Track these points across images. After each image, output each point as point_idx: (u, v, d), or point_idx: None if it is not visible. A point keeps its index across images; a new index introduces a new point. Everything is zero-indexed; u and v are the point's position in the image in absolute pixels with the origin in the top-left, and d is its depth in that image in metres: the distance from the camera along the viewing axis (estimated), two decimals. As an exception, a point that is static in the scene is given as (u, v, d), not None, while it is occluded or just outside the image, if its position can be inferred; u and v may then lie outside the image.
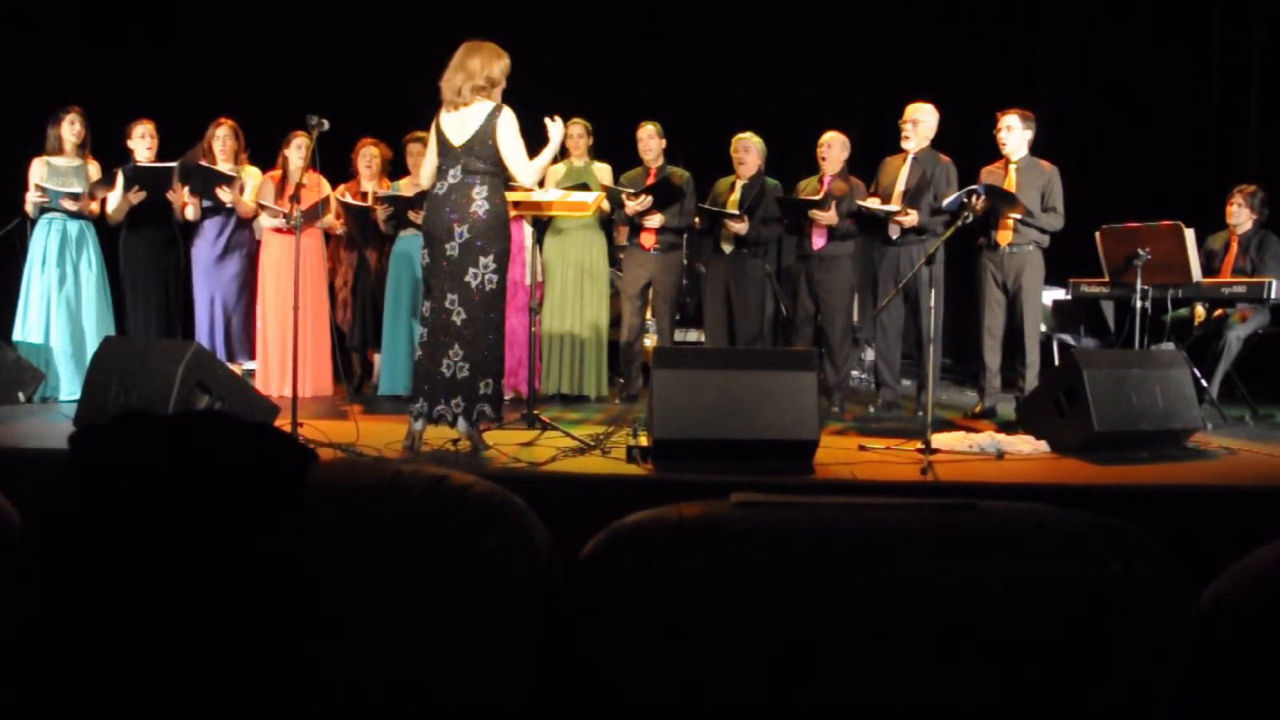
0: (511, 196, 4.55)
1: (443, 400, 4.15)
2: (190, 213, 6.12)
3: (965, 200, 5.29)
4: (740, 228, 5.99)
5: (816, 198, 5.83)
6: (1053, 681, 1.03)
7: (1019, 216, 5.50)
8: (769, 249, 6.63)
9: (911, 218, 5.66)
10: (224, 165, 6.13)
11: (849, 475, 3.77)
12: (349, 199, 6.25)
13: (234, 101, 6.74)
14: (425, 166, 4.41)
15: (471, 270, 4.12)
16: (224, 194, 6.02)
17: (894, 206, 5.71)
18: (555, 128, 4.38)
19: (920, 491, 3.60)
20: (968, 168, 5.90)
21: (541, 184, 4.81)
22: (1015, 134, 5.65)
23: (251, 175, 6.24)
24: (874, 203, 5.79)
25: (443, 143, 4.20)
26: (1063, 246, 5.91)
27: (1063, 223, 5.61)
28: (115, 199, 6.04)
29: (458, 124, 4.18)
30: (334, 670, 1.03)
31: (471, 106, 4.16)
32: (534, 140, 4.31)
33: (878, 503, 1.16)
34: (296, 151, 6.13)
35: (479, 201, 4.12)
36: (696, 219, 6.22)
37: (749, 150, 6.14)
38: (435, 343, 4.17)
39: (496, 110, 4.17)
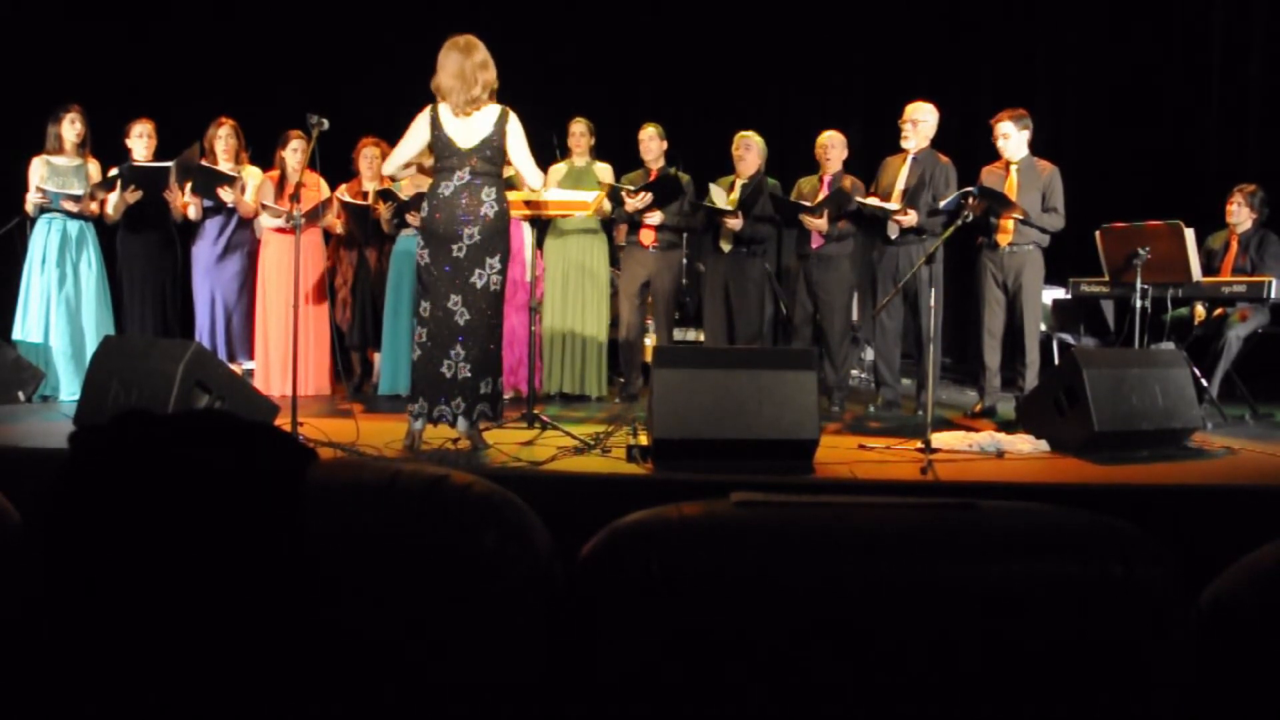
0: (513, 197, 4.56)
1: (443, 400, 4.15)
2: (192, 212, 6.12)
3: (963, 201, 5.29)
4: (735, 224, 5.99)
5: (811, 203, 5.83)
6: (1053, 681, 1.03)
7: (1018, 217, 5.50)
8: (768, 248, 6.62)
9: (910, 217, 5.66)
10: (225, 165, 6.13)
11: (849, 475, 3.77)
12: (348, 198, 6.25)
13: (234, 101, 6.73)
14: (397, 155, 4.29)
15: (478, 271, 4.13)
16: (225, 194, 6.02)
17: (893, 205, 5.71)
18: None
19: (920, 491, 3.60)
20: (968, 168, 5.90)
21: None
22: (1012, 139, 5.64)
23: (252, 175, 6.24)
24: (873, 201, 5.79)
25: (445, 144, 4.19)
26: (1063, 246, 5.91)
27: (1063, 223, 5.60)
28: (113, 198, 6.04)
29: (465, 127, 4.18)
30: (333, 670, 1.03)
31: (482, 110, 4.18)
32: (533, 141, 4.32)
33: (878, 502, 1.16)
34: (293, 153, 6.13)
35: (489, 203, 4.13)
36: (690, 206, 6.20)
37: (750, 148, 6.14)
38: (436, 343, 4.17)
39: (504, 115, 4.20)
